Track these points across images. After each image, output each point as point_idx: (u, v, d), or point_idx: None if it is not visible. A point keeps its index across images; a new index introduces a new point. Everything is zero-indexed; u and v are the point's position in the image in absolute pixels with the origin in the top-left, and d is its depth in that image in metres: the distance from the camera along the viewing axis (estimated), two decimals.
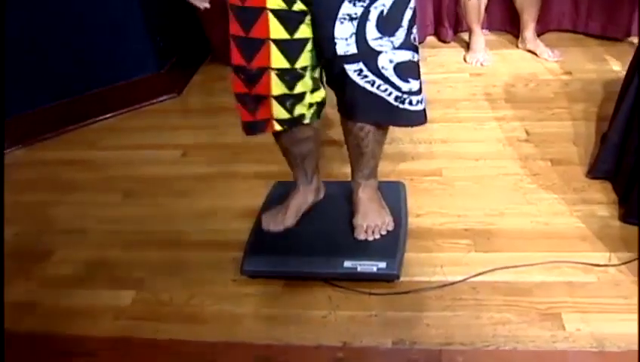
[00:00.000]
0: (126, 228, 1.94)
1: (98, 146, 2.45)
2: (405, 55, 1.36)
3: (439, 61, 2.89)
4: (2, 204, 1.42)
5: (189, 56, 3.02)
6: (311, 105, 1.49)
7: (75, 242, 1.90)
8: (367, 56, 1.33)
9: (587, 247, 1.66)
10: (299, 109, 1.48)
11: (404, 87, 1.39)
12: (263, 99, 1.44)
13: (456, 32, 3.08)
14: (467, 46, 2.90)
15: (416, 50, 1.39)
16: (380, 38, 1.31)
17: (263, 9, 1.29)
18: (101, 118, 2.63)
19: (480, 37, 2.83)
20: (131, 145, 2.43)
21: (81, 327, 1.57)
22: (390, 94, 1.39)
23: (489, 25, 3.04)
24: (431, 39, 3.12)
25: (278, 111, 1.46)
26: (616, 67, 2.62)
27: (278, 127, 1.50)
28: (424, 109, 1.47)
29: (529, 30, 2.85)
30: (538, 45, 2.84)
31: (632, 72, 1.76)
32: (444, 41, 3.07)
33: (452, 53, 2.96)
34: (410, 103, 1.43)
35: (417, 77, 1.42)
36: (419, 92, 1.43)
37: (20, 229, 1.98)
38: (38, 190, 2.21)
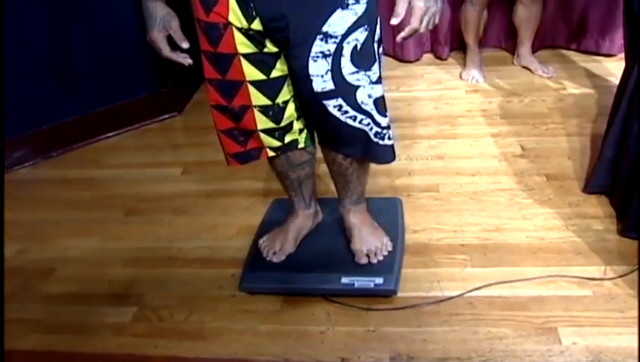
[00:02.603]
0: (127, 245, 1.96)
1: (100, 165, 2.48)
2: (380, 89, 1.35)
3: (436, 78, 2.92)
4: (2, 221, 1.44)
5: (189, 75, 3.06)
6: (301, 130, 1.50)
7: (76, 259, 1.92)
8: (346, 91, 1.30)
9: (583, 261, 1.68)
10: (289, 137, 1.48)
11: (383, 122, 1.39)
12: (251, 132, 1.44)
13: (452, 49, 3.12)
14: (463, 63, 2.94)
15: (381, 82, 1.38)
16: (357, 72, 1.29)
17: (235, 54, 1.28)
18: (103, 136, 2.66)
19: (476, 54, 2.87)
20: (133, 164, 2.46)
21: (82, 344, 1.59)
22: (371, 129, 1.38)
23: (486, 42, 3.08)
24: (428, 56, 3.16)
25: (270, 141, 1.47)
26: (609, 83, 2.65)
27: (271, 153, 1.50)
28: (393, 145, 1.46)
29: (525, 47, 2.89)
30: (533, 62, 2.87)
31: (624, 87, 1.78)
32: (440, 58, 3.11)
33: (448, 69, 2.99)
34: (389, 138, 1.42)
35: (387, 111, 1.41)
36: (389, 127, 1.42)
37: (23, 246, 2.00)
38: (40, 208, 2.23)
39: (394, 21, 1.15)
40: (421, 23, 1.17)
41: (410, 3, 1.16)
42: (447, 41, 3.08)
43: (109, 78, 2.63)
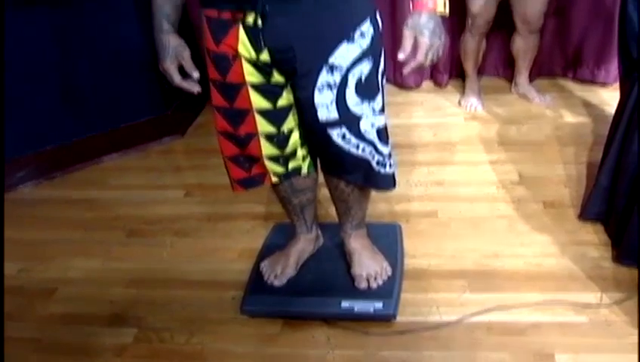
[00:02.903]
0: (128, 266, 1.98)
1: (103, 185, 2.51)
2: (383, 119, 1.39)
3: (435, 105, 2.97)
4: (2, 240, 1.46)
5: (192, 99, 3.10)
6: (304, 157, 1.53)
7: (78, 279, 1.94)
8: (349, 120, 1.34)
9: (579, 288, 1.70)
10: (293, 163, 1.52)
11: (385, 150, 1.43)
12: (255, 158, 1.48)
13: (451, 76, 3.18)
14: (462, 90, 2.99)
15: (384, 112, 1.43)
16: (361, 103, 1.33)
17: (243, 84, 1.33)
18: (107, 157, 2.69)
19: (475, 82, 2.92)
20: (135, 185, 2.49)
21: None
22: (374, 158, 1.42)
23: (485, 70, 3.13)
24: (427, 83, 3.22)
25: (273, 167, 1.50)
26: (605, 112, 2.70)
27: (275, 179, 1.54)
28: (394, 173, 1.50)
29: (522, 76, 2.94)
30: (530, 90, 2.93)
31: (619, 118, 1.82)
32: (439, 85, 3.16)
33: (448, 96, 3.04)
34: (390, 166, 1.47)
35: (389, 140, 1.45)
36: (390, 155, 1.47)
37: (24, 266, 2.02)
38: (43, 227, 2.25)
39: (401, 56, 1.19)
40: (426, 57, 1.21)
41: (417, 34, 1.20)
42: (447, 69, 3.13)
43: (113, 100, 2.68)
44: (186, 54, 1.35)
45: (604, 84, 2.98)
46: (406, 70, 1.24)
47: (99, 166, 2.66)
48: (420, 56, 1.21)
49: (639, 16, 1.80)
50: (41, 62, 2.43)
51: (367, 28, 1.27)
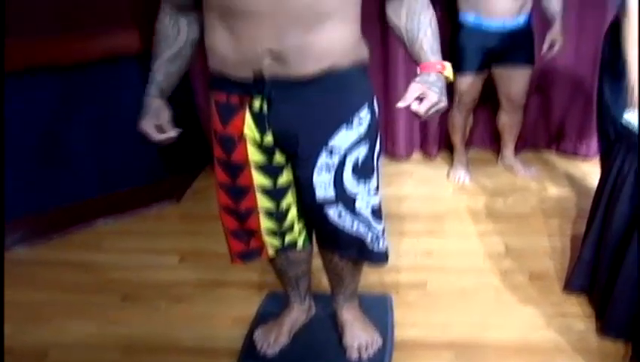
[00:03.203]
0: (122, 331, 2.00)
1: (99, 249, 2.54)
2: (377, 198, 1.47)
3: (425, 176, 3.08)
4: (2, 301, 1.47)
5: (189, 164, 3.19)
6: (301, 231, 1.60)
7: (70, 344, 1.95)
8: (345, 200, 1.41)
9: (565, 360, 1.74)
10: (290, 237, 1.58)
11: (379, 227, 1.50)
12: (254, 232, 1.54)
13: (440, 147, 3.30)
14: (451, 161, 3.10)
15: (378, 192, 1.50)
16: (357, 184, 1.40)
17: (246, 163, 1.41)
18: (103, 221, 2.74)
19: (463, 155, 3.04)
20: (131, 249, 2.52)
21: None
22: (368, 234, 1.48)
23: (472, 141, 3.26)
24: (417, 154, 3.34)
25: (271, 241, 1.57)
26: (588, 185, 2.80)
27: (272, 252, 1.60)
28: (387, 248, 1.57)
29: (508, 149, 3.07)
30: (516, 162, 3.05)
31: (600, 193, 1.91)
32: (429, 157, 3.29)
33: (437, 168, 3.16)
34: (384, 242, 1.54)
35: (382, 218, 1.52)
36: (384, 231, 1.54)
37: (17, 328, 2.02)
38: (37, 289, 2.27)
39: (401, 104, 1.24)
40: (427, 111, 1.26)
41: (425, 89, 1.25)
42: (436, 141, 3.26)
43: (110, 165, 2.74)
44: (163, 115, 1.43)
45: (586, 157, 3.11)
46: (399, 105, 1.25)
47: (95, 229, 2.70)
48: (424, 107, 1.24)
49: (614, 101, 1.93)
50: (39, 126, 2.50)
51: (365, 114, 1.37)
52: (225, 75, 1.33)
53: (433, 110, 1.26)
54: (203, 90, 3.07)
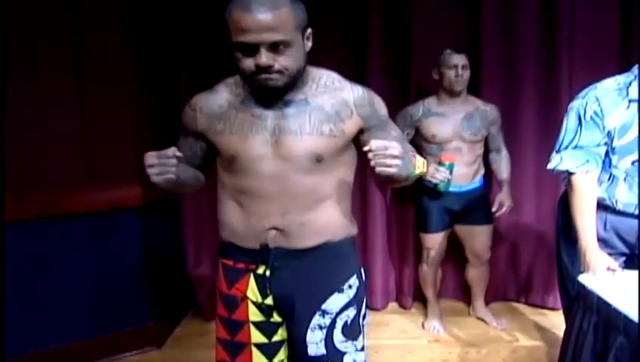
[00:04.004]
0: None
1: None
2: (363, 354, 1.60)
3: (400, 327, 3.19)
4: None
5: (172, 310, 3.25)
6: None
7: None
8: (335, 356, 1.52)
9: None
10: None
11: None
12: None
13: (415, 298, 3.44)
14: (426, 312, 3.24)
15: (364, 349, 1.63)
16: (345, 341, 1.53)
17: (246, 321, 1.54)
18: None
19: (436, 306, 3.19)
20: None
21: None
22: None
23: (444, 293, 3.42)
24: (393, 305, 3.47)
25: None
26: (556, 335, 2.92)
27: None
28: None
29: (478, 300, 3.23)
30: (487, 314, 3.20)
31: (566, 346, 2.02)
32: (404, 308, 3.42)
33: (412, 319, 3.28)
34: None
35: None
36: None
37: None
38: None
39: (366, 148, 1.32)
40: (390, 154, 1.31)
41: (398, 150, 1.32)
42: (411, 293, 3.42)
43: (97, 310, 2.80)
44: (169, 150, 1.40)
45: (553, 309, 3.27)
46: (372, 144, 1.32)
47: None
48: (392, 150, 1.30)
49: (571, 263, 2.12)
50: (29, 270, 2.59)
51: (354, 281, 1.56)
52: (234, 245, 1.52)
53: (382, 153, 1.31)
54: (192, 239, 3.25)
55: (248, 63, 1.34)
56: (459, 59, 2.82)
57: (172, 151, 1.37)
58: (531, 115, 3.17)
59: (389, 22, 3.17)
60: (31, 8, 2.46)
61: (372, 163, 1.32)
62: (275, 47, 1.32)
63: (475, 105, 2.93)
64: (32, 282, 2.60)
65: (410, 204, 3.25)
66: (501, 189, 3.01)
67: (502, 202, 2.97)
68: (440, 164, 2.78)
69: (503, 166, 3.01)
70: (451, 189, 2.87)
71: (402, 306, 3.44)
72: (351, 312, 1.54)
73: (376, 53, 3.15)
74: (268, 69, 1.33)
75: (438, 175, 2.75)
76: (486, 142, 2.99)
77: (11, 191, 2.44)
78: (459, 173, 2.84)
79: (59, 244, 2.65)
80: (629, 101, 1.87)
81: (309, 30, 1.42)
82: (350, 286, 1.54)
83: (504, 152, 3.02)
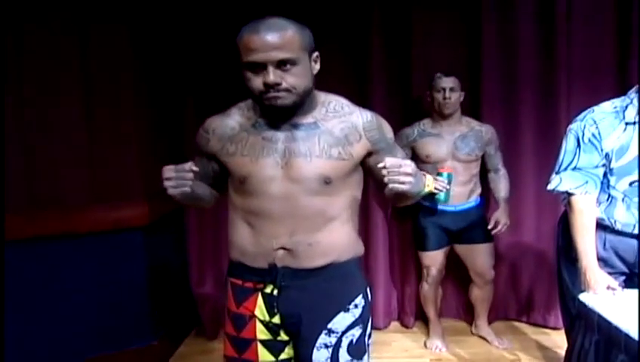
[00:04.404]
0: None
1: None
2: None
3: (403, 346, 3.20)
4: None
5: (176, 329, 3.26)
6: None
7: None
8: None
9: None
10: None
11: None
12: None
13: (417, 318, 3.46)
14: (427, 331, 3.25)
15: None
16: (351, 360, 1.56)
17: (253, 340, 1.57)
18: None
19: (437, 325, 3.21)
20: None
21: None
22: None
23: (446, 312, 3.44)
24: (395, 324, 3.48)
25: None
26: (558, 354, 2.94)
27: None
28: None
29: (481, 319, 3.25)
30: (489, 333, 3.21)
31: None
32: (406, 327, 3.44)
33: (414, 338, 3.29)
34: None
35: None
36: None
37: None
38: None
39: (381, 165, 1.39)
40: (408, 174, 1.37)
41: (412, 167, 1.38)
42: (413, 312, 3.44)
43: (101, 328, 2.81)
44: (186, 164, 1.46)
45: (554, 328, 3.28)
46: (385, 163, 1.38)
47: None
48: (406, 168, 1.37)
49: (572, 282, 2.16)
50: (31, 288, 2.61)
51: (360, 301, 1.59)
52: (243, 264, 1.56)
53: (396, 170, 1.37)
54: (196, 258, 3.29)
55: (257, 83, 1.41)
56: (446, 83, 2.89)
57: (189, 165, 1.43)
58: (531, 137, 3.22)
59: (390, 44, 3.24)
60: (40, 32, 2.53)
61: (386, 179, 1.38)
62: (282, 66, 1.39)
63: (470, 126, 2.99)
64: (36, 301, 2.62)
65: (410, 224, 3.29)
66: (498, 207, 3.05)
67: (498, 220, 3.00)
68: (438, 174, 2.83)
69: (500, 185, 3.05)
70: (447, 208, 2.93)
71: (404, 325, 3.45)
72: (356, 331, 1.57)
73: (377, 77, 3.22)
74: (276, 86, 1.39)
75: (436, 184, 2.78)
76: (485, 161, 3.04)
77: (17, 210, 2.47)
78: (454, 192, 2.88)
79: (63, 263, 2.68)
80: (626, 124, 1.93)
81: (316, 53, 1.49)
82: (356, 306, 1.57)
83: (502, 171, 3.07)
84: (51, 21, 2.55)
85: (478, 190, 3.05)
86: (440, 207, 2.94)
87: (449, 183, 2.81)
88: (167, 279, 3.17)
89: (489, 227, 3.01)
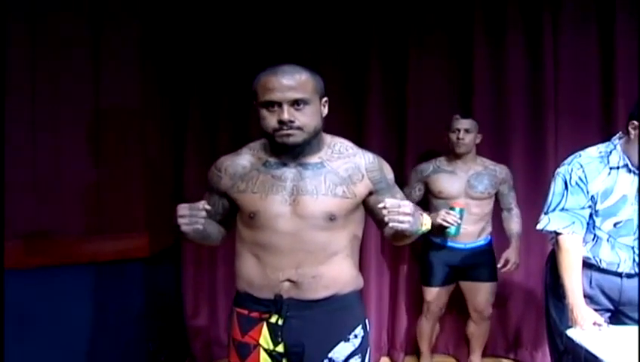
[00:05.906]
0: None
1: None
2: None
3: None
4: None
5: (171, 360, 3.26)
6: None
7: None
8: None
9: None
10: None
11: None
12: None
13: (406, 353, 3.49)
14: None
15: None
16: None
17: (256, 345, 1.64)
18: None
19: (428, 360, 3.26)
20: None
21: None
22: None
23: (436, 348, 3.47)
24: (384, 360, 3.51)
25: None
26: None
27: None
28: None
29: (475, 355, 3.28)
30: None
31: None
32: None
33: None
34: None
35: None
36: None
37: None
38: None
39: (381, 205, 1.47)
40: (401, 212, 1.45)
41: (410, 207, 1.47)
42: (403, 347, 3.47)
43: (96, 359, 2.82)
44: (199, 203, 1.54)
45: None
46: (385, 203, 1.47)
47: None
48: (405, 208, 1.45)
49: (559, 318, 2.23)
50: (30, 317, 2.63)
51: (359, 331, 1.68)
52: (249, 295, 1.63)
53: (396, 210, 1.45)
54: (191, 291, 3.33)
55: (272, 121, 1.53)
56: (462, 124, 3.00)
57: (202, 204, 1.52)
58: (520, 179, 3.29)
59: (387, 80, 3.35)
60: (51, 62, 2.60)
61: (386, 218, 1.47)
62: (295, 105, 1.51)
63: (484, 165, 3.08)
64: (35, 330, 2.64)
65: (404, 258, 3.36)
66: (510, 246, 3.08)
67: (508, 258, 3.03)
68: (451, 208, 2.86)
69: (512, 224, 3.10)
70: (456, 246, 2.99)
71: (394, 361, 3.48)
72: (356, 361, 1.66)
73: (374, 114, 3.32)
74: (289, 123, 1.51)
75: (449, 218, 2.80)
76: (498, 200, 3.11)
77: (18, 238, 2.51)
78: (465, 230, 2.93)
79: (63, 293, 2.70)
80: (610, 168, 2.05)
81: (326, 98, 1.62)
82: (356, 336, 1.66)
83: (515, 211, 3.13)
84: None
85: (489, 229, 3.10)
86: (449, 243, 3.00)
87: (461, 218, 2.84)
88: (163, 311, 3.20)
89: (499, 265, 3.03)
